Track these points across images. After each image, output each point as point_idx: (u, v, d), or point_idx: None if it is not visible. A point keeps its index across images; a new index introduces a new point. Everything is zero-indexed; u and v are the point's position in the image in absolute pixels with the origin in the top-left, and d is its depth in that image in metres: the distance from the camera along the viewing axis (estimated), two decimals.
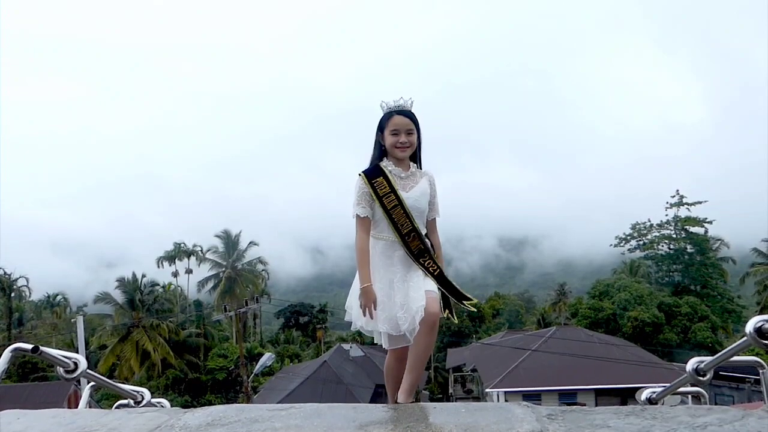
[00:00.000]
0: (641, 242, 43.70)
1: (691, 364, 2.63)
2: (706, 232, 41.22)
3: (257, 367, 23.64)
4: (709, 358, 2.57)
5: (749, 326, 2.07)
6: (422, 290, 2.68)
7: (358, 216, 2.80)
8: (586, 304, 37.59)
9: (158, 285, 39.07)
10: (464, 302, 2.92)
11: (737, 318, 37.99)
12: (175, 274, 46.25)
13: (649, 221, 43.43)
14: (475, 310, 2.93)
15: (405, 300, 2.69)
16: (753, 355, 2.73)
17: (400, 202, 2.78)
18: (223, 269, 42.34)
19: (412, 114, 2.86)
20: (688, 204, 41.49)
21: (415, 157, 2.95)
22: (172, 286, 44.25)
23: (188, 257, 46.14)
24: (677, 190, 42.06)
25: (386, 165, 2.86)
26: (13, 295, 41.98)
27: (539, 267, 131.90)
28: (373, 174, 2.83)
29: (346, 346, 32.38)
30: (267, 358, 23.64)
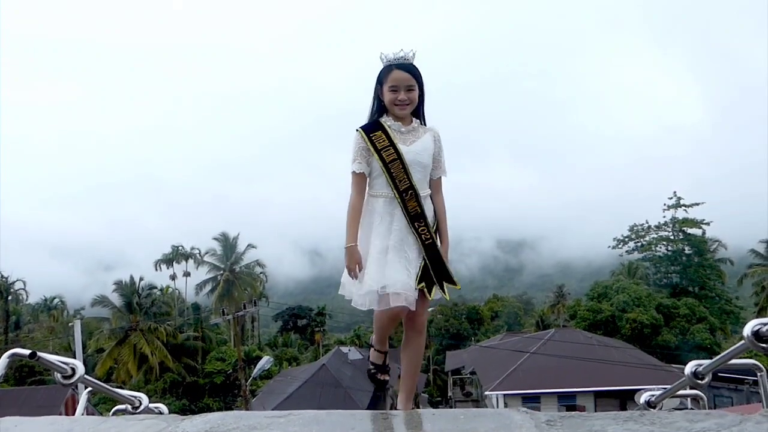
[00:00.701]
0: (639, 244, 43.76)
1: (690, 367, 2.63)
2: (703, 233, 41.32)
3: (255, 370, 23.56)
4: (707, 362, 2.57)
5: (746, 330, 2.08)
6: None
7: (354, 173, 2.68)
8: (585, 305, 37.61)
9: (156, 288, 38.98)
10: (447, 284, 2.72)
11: (735, 319, 38.07)
12: (173, 277, 46.17)
13: (647, 223, 43.55)
14: (458, 287, 2.76)
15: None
16: (750, 358, 2.74)
17: (399, 156, 2.64)
18: (221, 272, 42.30)
19: (413, 67, 2.68)
20: (685, 205, 41.59)
21: (418, 113, 2.79)
22: (170, 289, 44.17)
23: (186, 260, 46.04)
24: (674, 192, 42.19)
25: (386, 120, 2.73)
26: (10, 298, 41.88)
27: (538, 269, 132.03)
28: (371, 129, 2.70)
29: (344, 349, 32.30)
30: (265, 361, 23.56)
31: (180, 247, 45.96)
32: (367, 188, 2.74)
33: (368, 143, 2.65)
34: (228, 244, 43.29)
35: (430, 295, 2.67)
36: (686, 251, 41.81)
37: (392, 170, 2.64)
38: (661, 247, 43.08)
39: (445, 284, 2.72)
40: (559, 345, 24.93)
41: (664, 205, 42.28)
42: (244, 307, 24.41)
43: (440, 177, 2.81)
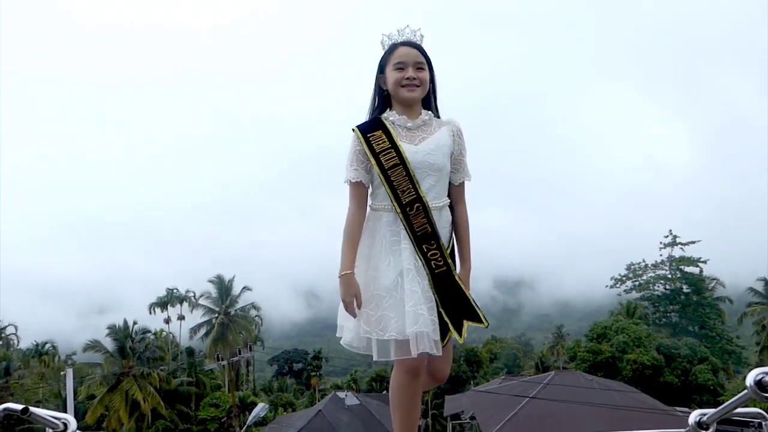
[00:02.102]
0: (637, 283, 43.71)
1: (693, 417, 2.59)
2: (701, 272, 41.36)
3: (250, 418, 22.94)
4: (711, 411, 2.54)
5: (749, 379, 2.05)
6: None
7: (349, 182, 2.20)
8: (585, 347, 37.18)
9: (150, 332, 38.47)
10: (469, 321, 2.22)
11: (738, 359, 37.74)
12: (168, 321, 45.63)
13: (644, 261, 43.63)
14: (485, 324, 2.28)
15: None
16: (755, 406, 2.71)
17: (402, 161, 2.12)
18: (216, 315, 41.75)
19: (422, 47, 2.22)
20: (681, 244, 41.81)
21: (429, 105, 2.29)
22: (164, 333, 43.56)
23: (181, 303, 45.62)
24: (670, 230, 42.47)
25: (387, 115, 2.23)
26: (0, 343, 41.15)
27: (536, 309, 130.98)
28: (370, 127, 2.21)
29: (341, 394, 31.61)
30: (260, 408, 22.96)
31: (175, 290, 45.64)
32: (368, 200, 2.26)
33: (365, 145, 2.17)
34: (223, 286, 42.88)
35: (443, 339, 2.13)
36: (684, 290, 41.77)
37: (393, 178, 2.14)
38: (659, 286, 43.05)
39: (465, 322, 2.20)
40: (560, 388, 24.51)
41: (661, 243, 42.54)
42: (239, 352, 24.02)
43: (463, 182, 2.32)
